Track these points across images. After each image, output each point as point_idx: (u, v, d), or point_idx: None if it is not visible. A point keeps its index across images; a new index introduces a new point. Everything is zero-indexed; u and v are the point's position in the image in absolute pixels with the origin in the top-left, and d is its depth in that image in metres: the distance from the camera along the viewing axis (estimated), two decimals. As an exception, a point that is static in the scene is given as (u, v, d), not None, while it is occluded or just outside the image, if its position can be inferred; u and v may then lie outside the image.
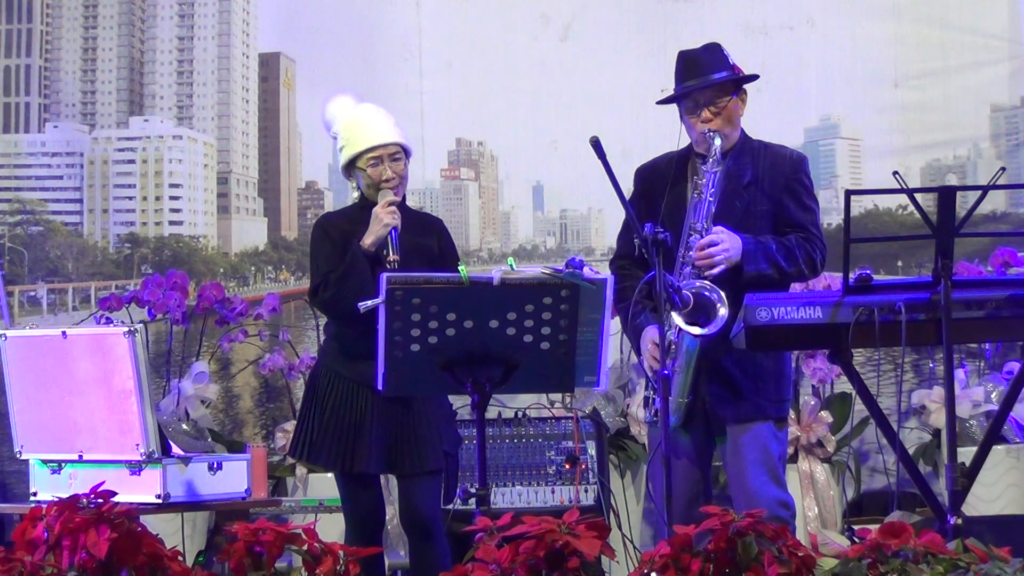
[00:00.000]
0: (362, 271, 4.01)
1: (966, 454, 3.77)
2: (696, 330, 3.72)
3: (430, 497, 4.15)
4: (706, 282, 3.78)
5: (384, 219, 4.07)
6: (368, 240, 4.06)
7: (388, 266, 4.03)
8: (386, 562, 5.02)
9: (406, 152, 4.22)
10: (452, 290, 3.28)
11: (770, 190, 4.02)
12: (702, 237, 3.89)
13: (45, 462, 4.08)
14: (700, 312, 3.74)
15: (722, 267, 3.85)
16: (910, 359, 6.40)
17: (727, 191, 4.00)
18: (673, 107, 4.09)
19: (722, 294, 3.74)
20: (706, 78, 3.98)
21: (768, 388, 3.99)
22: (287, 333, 6.37)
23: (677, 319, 3.68)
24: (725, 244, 3.86)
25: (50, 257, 6.96)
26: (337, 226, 4.22)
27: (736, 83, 4.04)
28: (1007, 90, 6.82)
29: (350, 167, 4.22)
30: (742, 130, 4.11)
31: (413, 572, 4.21)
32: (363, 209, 4.18)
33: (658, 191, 4.08)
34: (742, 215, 3.99)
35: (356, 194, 4.29)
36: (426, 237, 4.24)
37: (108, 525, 3.16)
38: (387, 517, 4.88)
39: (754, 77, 4.08)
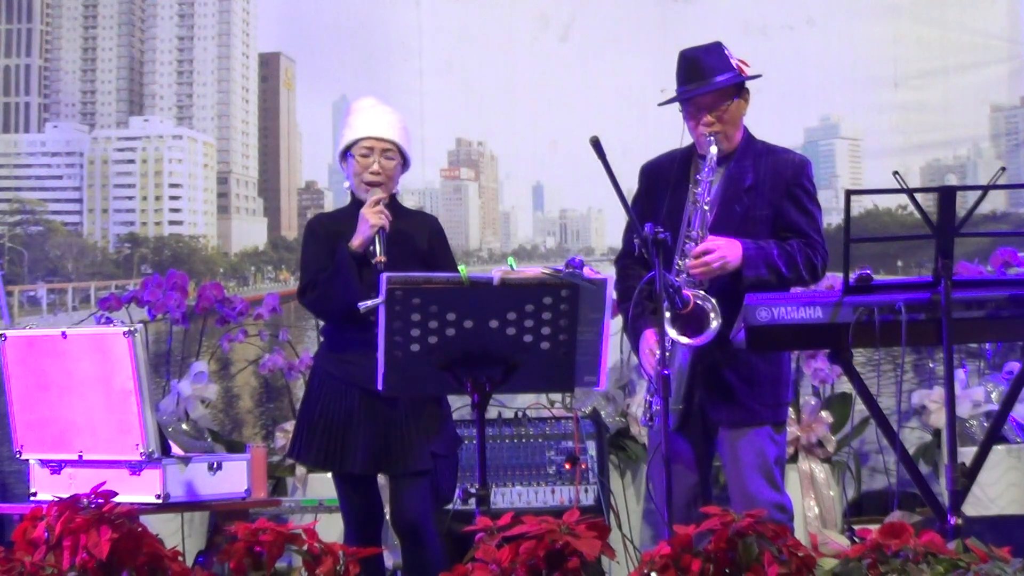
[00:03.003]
0: (348, 273, 4.00)
1: (966, 454, 3.77)
2: (685, 340, 3.72)
3: (418, 499, 4.07)
4: (699, 291, 3.77)
5: (371, 220, 4.05)
6: (356, 242, 4.06)
7: (375, 267, 4.02)
8: (388, 561, 5.01)
9: (403, 156, 4.21)
10: (452, 290, 3.28)
11: (771, 195, 3.99)
12: (697, 245, 3.86)
13: (45, 462, 4.08)
14: (692, 320, 3.73)
15: (716, 273, 3.83)
16: (910, 359, 6.39)
17: (727, 195, 3.98)
18: (674, 106, 4.05)
19: (715, 303, 3.73)
20: (707, 82, 3.93)
21: (764, 392, 3.97)
22: (287, 333, 6.37)
23: (670, 331, 3.67)
24: (721, 252, 3.84)
25: (50, 257, 6.96)
26: (326, 226, 4.23)
27: (738, 85, 4.00)
28: (1007, 90, 6.82)
29: (345, 155, 4.22)
30: (746, 130, 4.07)
31: (406, 574, 4.17)
32: (355, 207, 4.18)
33: (660, 191, 4.05)
34: (741, 219, 3.96)
35: (346, 184, 4.28)
36: (416, 235, 4.21)
37: (109, 525, 3.16)
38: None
39: (756, 76, 4.03)
